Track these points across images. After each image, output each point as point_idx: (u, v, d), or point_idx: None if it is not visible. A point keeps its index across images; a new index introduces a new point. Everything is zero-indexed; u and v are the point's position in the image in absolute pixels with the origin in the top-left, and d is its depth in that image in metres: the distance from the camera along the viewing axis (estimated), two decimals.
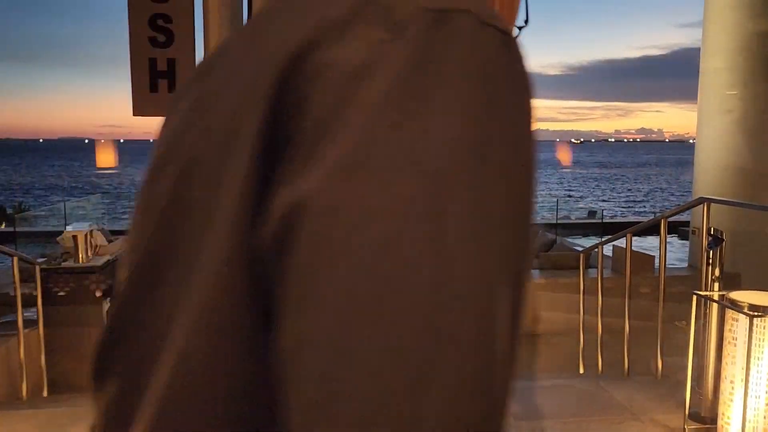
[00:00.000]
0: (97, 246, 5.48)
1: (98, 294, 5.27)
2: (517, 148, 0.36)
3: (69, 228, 5.28)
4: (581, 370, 5.23)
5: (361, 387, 0.32)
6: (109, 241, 5.75)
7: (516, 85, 0.37)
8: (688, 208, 4.40)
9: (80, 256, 5.23)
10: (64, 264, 5.19)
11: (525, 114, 0.37)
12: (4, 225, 15.33)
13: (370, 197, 0.33)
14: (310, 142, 0.35)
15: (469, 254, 0.33)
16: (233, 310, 0.38)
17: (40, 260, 4.94)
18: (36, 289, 4.72)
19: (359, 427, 0.31)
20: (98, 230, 5.54)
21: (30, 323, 4.98)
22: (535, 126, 0.37)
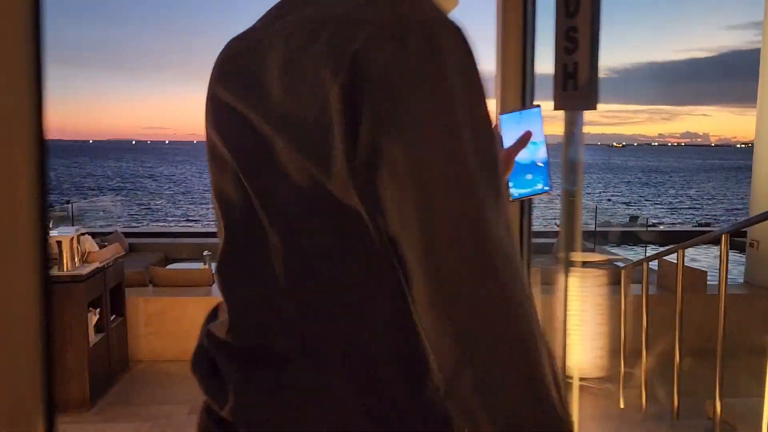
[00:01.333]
0: (86, 252, 5.04)
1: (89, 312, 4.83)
2: (481, 96, 0.66)
3: (54, 232, 4.85)
4: (621, 405, 4.53)
5: (438, 226, 0.60)
6: (101, 247, 5.31)
7: (472, 61, 0.66)
8: (758, 221, 3.67)
9: (65, 263, 4.79)
10: None
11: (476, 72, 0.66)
12: None
13: (416, 133, 0.62)
14: (373, 109, 0.63)
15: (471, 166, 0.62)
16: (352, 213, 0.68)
17: None
18: None
19: (450, 239, 0.60)
20: (86, 235, 5.09)
21: None
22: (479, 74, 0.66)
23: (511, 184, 1.02)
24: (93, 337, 4.94)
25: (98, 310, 5.09)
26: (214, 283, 6.33)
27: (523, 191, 1.02)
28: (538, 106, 1.06)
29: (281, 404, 0.71)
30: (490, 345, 0.58)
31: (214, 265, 0.98)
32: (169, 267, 7.99)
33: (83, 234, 5.05)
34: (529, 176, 1.02)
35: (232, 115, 0.75)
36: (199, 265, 7.89)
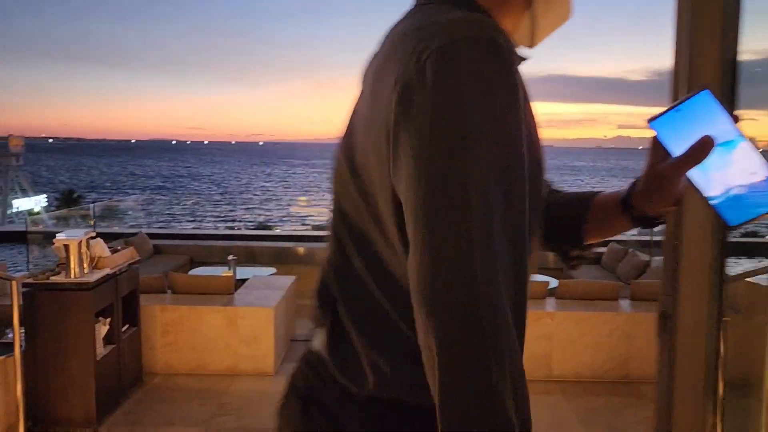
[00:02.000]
0: (95, 258, 4.67)
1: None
2: (501, 114, 0.70)
3: (61, 236, 4.49)
4: None
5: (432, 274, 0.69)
6: (115, 251, 4.94)
7: (501, 80, 0.70)
8: None
9: (72, 269, 4.43)
10: (53, 278, 4.40)
11: (504, 94, 0.70)
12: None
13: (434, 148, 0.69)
14: (400, 129, 0.72)
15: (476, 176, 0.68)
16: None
17: (22, 273, 4.11)
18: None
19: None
20: (97, 238, 4.72)
21: (8, 347, 4.24)
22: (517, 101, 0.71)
23: (718, 206, 0.74)
24: (101, 349, 4.56)
25: (109, 320, 4.72)
26: (236, 290, 5.93)
27: (741, 215, 0.72)
28: (705, 89, 0.76)
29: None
30: (453, 363, 0.68)
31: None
32: (191, 272, 7.64)
33: (93, 237, 4.69)
34: (738, 189, 0.72)
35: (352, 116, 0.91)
36: (224, 270, 7.52)
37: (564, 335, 5.51)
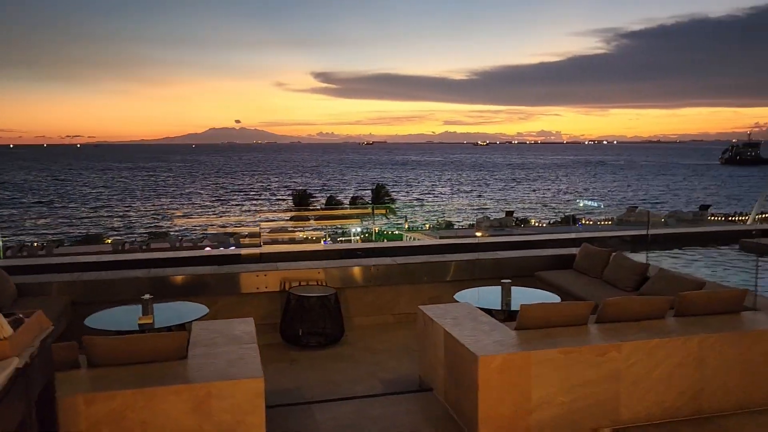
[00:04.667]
0: None
1: None
2: None
3: None
4: None
5: None
6: (15, 321, 2.93)
7: None
8: None
9: None
10: None
11: None
12: None
13: None
14: None
15: None
16: None
17: None
18: None
19: None
20: None
21: None
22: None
23: None
24: None
25: None
26: (189, 354, 4.08)
27: None
28: None
29: None
30: None
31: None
32: (92, 323, 5.46)
33: None
34: None
35: None
36: (140, 317, 5.47)
37: (633, 371, 4.43)
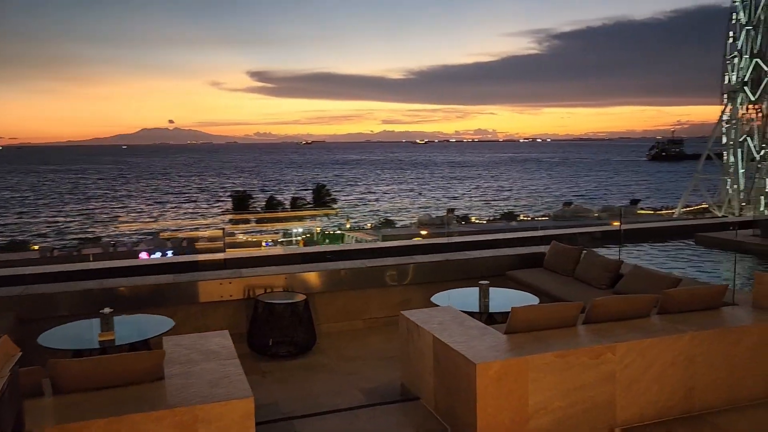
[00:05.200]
0: None
1: None
2: None
3: None
4: None
5: None
6: None
7: None
8: None
9: None
10: None
11: None
12: None
13: None
14: None
15: None
16: None
17: None
18: None
19: None
20: None
21: None
22: None
23: None
24: None
25: None
26: (165, 374, 3.75)
27: None
28: None
29: None
30: None
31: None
32: (43, 341, 4.95)
33: None
34: None
35: None
36: (99, 333, 5.01)
37: (628, 372, 4.36)
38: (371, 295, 7.30)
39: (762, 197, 52.29)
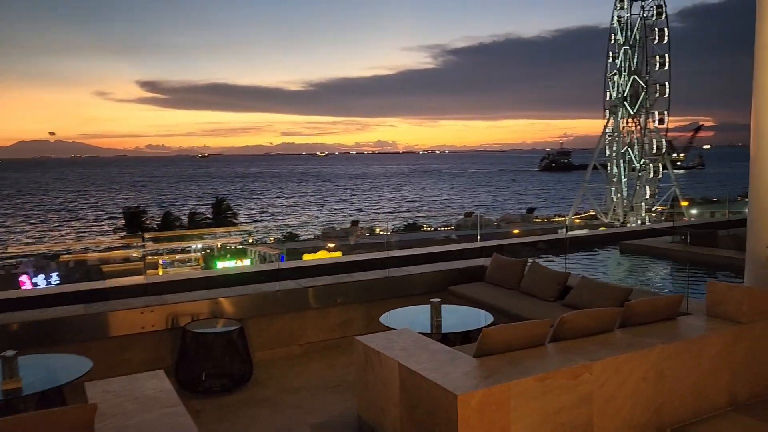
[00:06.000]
0: None
1: None
2: None
3: None
4: None
5: None
6: None
7: None
8: None
9: None
10: None
11: None
12: None
13: None
14: None
15: None
16: None
17: None
18: None
19: None
20: None
21: None
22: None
23: None
24: None
25: None
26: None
27: None
28: None
29: None
30: None
31: None
32: None
33: None
34: None
35: None
36: None
37: (604, 391, 4.17)
38: (308, 318, 6.80)
39: (643, 204, 56.26)
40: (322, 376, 5.99)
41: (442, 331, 5.61)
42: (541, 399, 3.92)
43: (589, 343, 4.47)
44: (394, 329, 5.20)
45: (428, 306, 5.86)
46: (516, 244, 10.62)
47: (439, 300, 5.77)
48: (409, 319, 5.87)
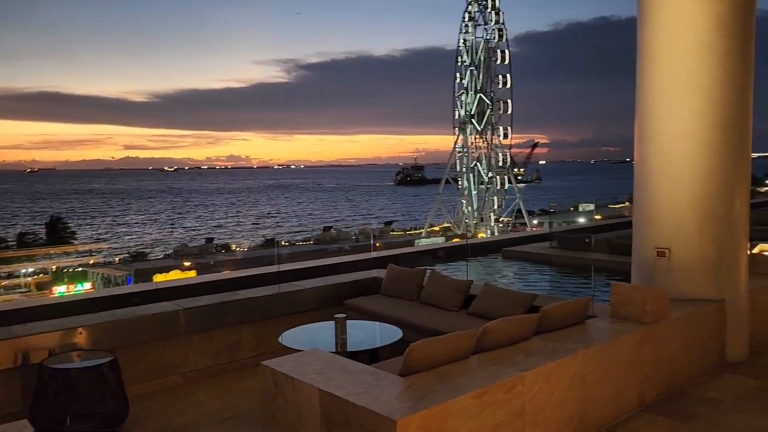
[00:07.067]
0: None
1: None
2: None
3: None
4: None
5: None
6: None
7: None
8: None
9: None
10: None
11: None
12: None
13: None
14: None
15: None
16: None
17: None
18: None
19: None
20: None
21: None
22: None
23: None
24: None
25: None
26: None
27: None
28: None
29: None
30: None
31: None
32: None
33: None
34: None
35: None
36: None
37: (535, 403, 3.97)
38: (189, 343, 6.02)
39: (492, 214, 59.76)
40: (213, 408, 5.27)
41: (348, 350, 5.16)
42: (479, 417, 3.62)
43: (513, 353, 4.27)
44: (298, 350, 4.68)
45: (330, 322, 5.39)
46: (409, 254, 10.46)
47: (345, 315, 5.32)
48: (310, 337, 5.37)
